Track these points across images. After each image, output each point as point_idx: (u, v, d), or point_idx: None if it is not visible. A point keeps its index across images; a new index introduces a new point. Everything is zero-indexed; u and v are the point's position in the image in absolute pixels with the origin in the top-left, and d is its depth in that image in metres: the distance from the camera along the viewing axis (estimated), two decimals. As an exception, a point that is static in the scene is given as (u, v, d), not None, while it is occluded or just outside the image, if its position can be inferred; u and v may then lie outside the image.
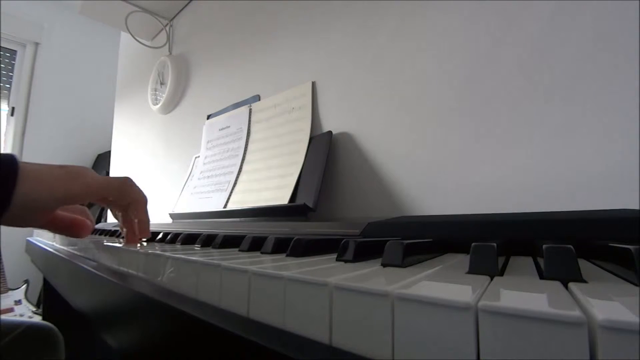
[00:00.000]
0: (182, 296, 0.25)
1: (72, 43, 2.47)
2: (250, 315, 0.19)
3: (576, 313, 0.10)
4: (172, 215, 0.84)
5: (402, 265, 0.21)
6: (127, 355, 0.29)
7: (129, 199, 0.41)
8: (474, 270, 0.18)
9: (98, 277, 0.37)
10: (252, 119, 0.77)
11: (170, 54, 1.21)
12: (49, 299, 1.09)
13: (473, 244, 0.20)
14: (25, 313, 1.82)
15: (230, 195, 0.71)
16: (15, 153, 2.27)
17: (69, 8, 2.32)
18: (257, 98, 0.80)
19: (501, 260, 0.20)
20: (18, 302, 1.86)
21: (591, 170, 0.35)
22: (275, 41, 0.79)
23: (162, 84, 1.19)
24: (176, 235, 0.46)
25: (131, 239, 0.43)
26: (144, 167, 1.31)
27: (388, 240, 0.23)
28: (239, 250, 0.33)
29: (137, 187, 0.42)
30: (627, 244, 0.17)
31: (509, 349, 0.11)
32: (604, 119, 0.34)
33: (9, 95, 2.25)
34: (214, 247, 0.36)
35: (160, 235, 0.50)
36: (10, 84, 2.27)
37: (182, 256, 0.27)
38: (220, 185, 0.75)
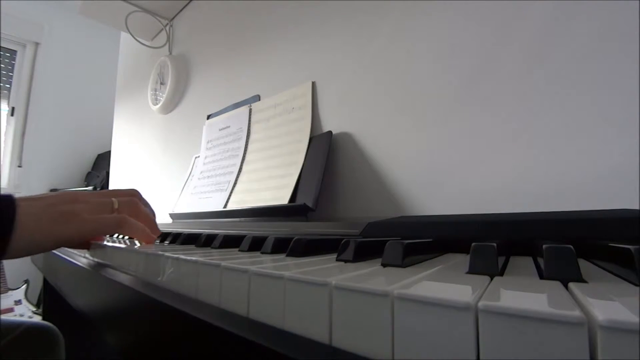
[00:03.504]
0: (182, 296, 0.25)
1: (72, 43, 2.47)
2: (250, 315, 0.19)
3: (576, 313, 0.10)
4: (172, 215, 0.84)
5: (402, 265, 0.21)
6: (127, 355, 0.29)
7: (127, 234, 0.40)
8: (474, 270, 0.18)
9: (98, 277, 0.37)
10: (252, 119, 0.77)
11: (170, 54, 1.21)
12: (49, 299, 1.09)
13: (473, 244, 0.20)
14: (25, 313, 1.82)
15: (230, 195, 0.71)
16: (15, 153, 2.26)
17: (69, 8, 2.32)
18: (257, 98, 0.80)
19: (501, 260, 0.20)
20: (18, 302, 1.86)
21: (591, 170, 0.35)
22: (275, 41, 0.79)
23: (162, 84, 1.19)
24: (176, 235, 0.46)
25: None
26: (144, 167, 1.31)
27: (388, 240, 0.23)
28: (239, 250, 0.33)
29: (135, 223, 0.40)
30: (627, 244, 0.17)
31: (509, 349, 0.11)
32: (604, 119, 0.34)
33: (9, 95, 2.26)
34: (214, 247, 0.36)
35: (160, 235, 0.50)
36: (10, 84, 2.27)
37: (182, 256, 0.27)
38: (220, 185, 0.75)
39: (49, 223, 0.34)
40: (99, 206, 0.39)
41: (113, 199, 0.41)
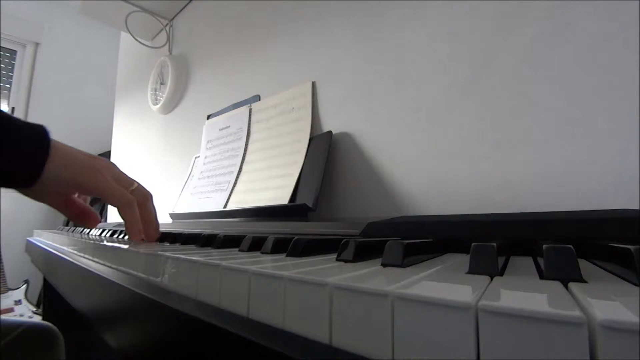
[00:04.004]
0: (182, 296, 0.25)
1: (72, 43, 2.47)
2: (250, 315, 0.19)
3: (576, 313, 0.10)
4: (172, 215, 0.84)
5: (402, 265, 0.21)
6: (127, 355, 0.29)
7: (126, 218, 0.42)
8: (474, 270, 0.18)
9: (98, 277, 0.37)
10: (252, 119, 0.77)
11: (170, 54, 1.21)
12: (49, 299, 1.09)
13: (473, 244, 0.20)
14: (25, 313, 1.82)
15: (230, 195, 0.71)
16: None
17: (69, 8, 2.32)
18: (257, 98, 0.80)
19: (501, 260, 0.20)
20: (18, 302, 1.86)
21: (591, 170, 0.35)
22: (275, 41, 0.79)
23: (162, 84, 1.19)
24: (176, 235, 0.46)
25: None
26: (144, 167, 1.31)
27: (388, 240, 0.23)
28: (239, 250, 0.33)
29: (137, 216, 0.42)
30: (627, 244, 0.17)
31: (509, 349, 0.11)
32: (604, 119, 0.34)
33: (9, 95, 2.25)
34: (214, 247, 0.36)
35: (160, 235, 0.50)
36: (10, 84, 2.27)
37: (182, 256, 0.27)
38: (220, 185, 0.75)
39: (80, 165, 0.38)
40: (121, 178, 0.43)
41: (134, 182, 0.45)
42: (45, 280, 1.09)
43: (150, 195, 0.46)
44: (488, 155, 0.42)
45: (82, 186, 0.39)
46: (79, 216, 0.46)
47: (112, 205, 0.42)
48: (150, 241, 0.45)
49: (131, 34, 1.28)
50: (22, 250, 1.01)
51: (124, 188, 0.42)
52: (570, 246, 0.17)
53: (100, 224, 0.60)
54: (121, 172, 0.44)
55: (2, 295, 1.75)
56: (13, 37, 2.23)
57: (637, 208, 0.29)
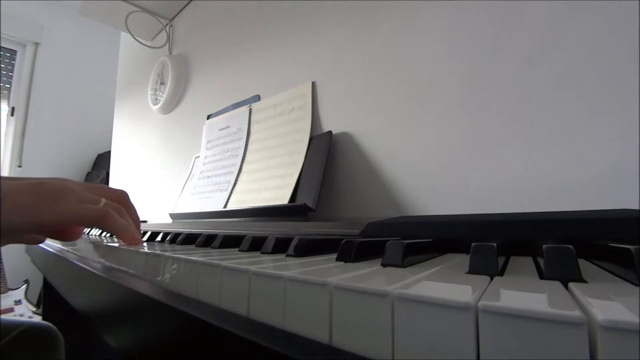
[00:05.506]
0: (182, 296, 0.25)
1: (72, 43, 2.47)
2: (250, 315, 0.19)
3: (576, 313, 0.10)
4: (172, 215, 0.84)
5: (402, 265, 0.21)
6: (127, 355, 0.29)
7: (108, 230, 0.37)
8: (474, 270, 0.18)
9: (98, 277, 0.37)
10: (252, 119, 0.77)
11: (170, 54, 1.21)
12: (49, 299, 1.09)
13: (473, 244, 0.20)
14: (25, 313, 1.82)
15: (230, 195, 0.71)
16: (15, 153, 2.26)
17: (69, 8, 2.32)
18: (257, 98, 0.80)
19: (501, 260, 0.20)
20: (18, 302, 1.86)
21: (591, 170, 0.35)
22: (275, 41, 0.79)
23: (162, 84, 1.19)
24: (176, 235, 0.46)
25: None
26: (144, 167, 1.31)
27: (388, 240, 0.23)
28: (239, 250, 0.33)
29: (120, 221, 0.37)
30: (627, 244, 0.17)
31: (509, 349, 0.11)
32: (604, 119, 0.34)
33: (9, 95, 2.25)
34: (214, 247, 0.36)
35: (160, 235, 0.50)
36: (10, 84, 2.27)
37: (182, 256, 0.27)
38: (220, 185, 0.75)
39: (31, 201, 0.32)
40: (85, 198, 0.37)
41: (102, 199, 0.39)
42: (45, 280, 1.09)
43: (124, 198, 0.41)
44: (488, 155, 0.42)
45: (43, 224, 0.33)
46: (59, 234, 0.41)
47: (88, 226, 0.37)
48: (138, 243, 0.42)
49: (131, 34, 1.28)
50: (22, 250, 1.01)
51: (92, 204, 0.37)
52: (570, 246, 0.17)
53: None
54: (84, 189, 0.38)
55: (2, 295, 1.75)
56: (13, 37, 2.23)
57: (637, 208, 0.29)
